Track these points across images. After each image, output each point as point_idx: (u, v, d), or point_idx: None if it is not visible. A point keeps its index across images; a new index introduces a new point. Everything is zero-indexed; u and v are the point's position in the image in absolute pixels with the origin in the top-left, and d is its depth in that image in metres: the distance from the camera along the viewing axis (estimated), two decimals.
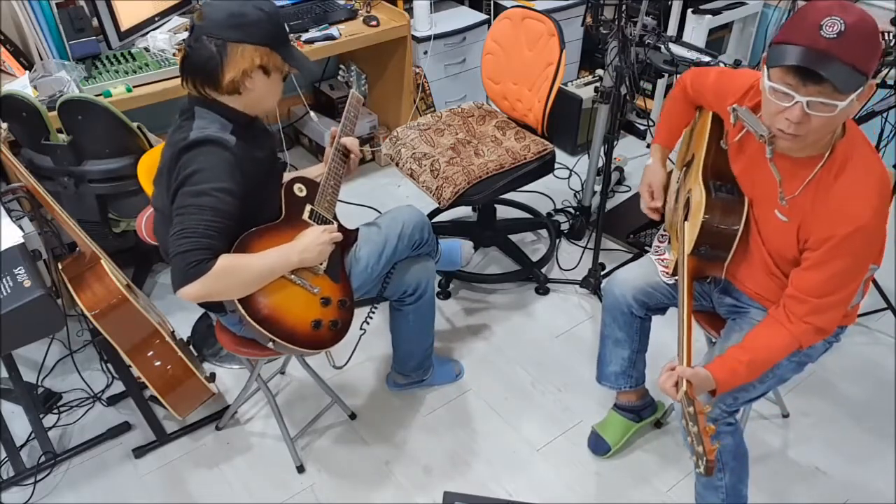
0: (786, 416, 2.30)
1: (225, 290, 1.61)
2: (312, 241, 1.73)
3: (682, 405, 1.44)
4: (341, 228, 1.89)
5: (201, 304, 1.91)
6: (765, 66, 1.40)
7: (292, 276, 1.72)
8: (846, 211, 1.45)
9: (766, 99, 1.42)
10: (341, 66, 2.24)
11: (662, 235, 2.02)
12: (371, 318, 2.05)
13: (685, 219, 1.78)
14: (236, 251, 1.64)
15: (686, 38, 3.26)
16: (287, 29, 1.72)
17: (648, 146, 3.66)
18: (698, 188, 1.71)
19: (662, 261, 1.94)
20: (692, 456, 1.36)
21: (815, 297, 1.52)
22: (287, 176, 1.91)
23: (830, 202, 1.47)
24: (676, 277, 1.76)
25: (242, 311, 1.64)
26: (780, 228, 1.58)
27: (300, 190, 1.87)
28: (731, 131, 1.71)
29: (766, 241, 1.65)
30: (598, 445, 2.19)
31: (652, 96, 3.64)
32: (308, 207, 1.85)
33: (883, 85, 2.30)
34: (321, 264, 1.79)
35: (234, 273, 1.59)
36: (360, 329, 2.01)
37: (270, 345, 1.70)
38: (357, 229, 1.99)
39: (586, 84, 3.53)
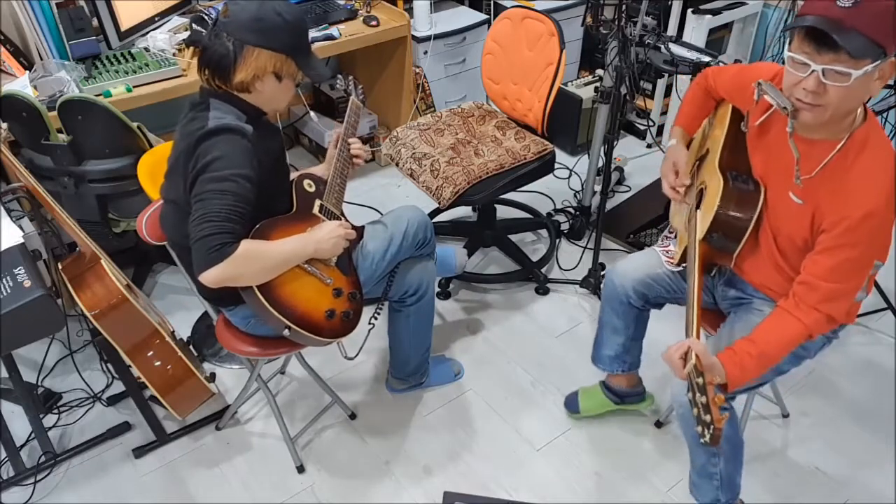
0: (786, 416, 2.30)
1: (245, 275, 1.63)
2: (328, 234, 1.77)
3: (689, 378, 1.44)
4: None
5: (212, 300, 1.93)
6: (788, 38, 1.45)
7: (306, 266, 1.75)
8: (860, 194, 1.47)
9: (786, 71, 1.47)
10: (339, 76, 2.29)
11: (670, 232, 2.03)
12: (379, 313, 2.05)
13: (697, 207, 1.79)
14: (253, 239, 1.66)
15: (686, 38, 3.25)
16: (309, 38, 1.75)
17: (649, 146, 3.68)
18: (715, 177, 1.72)
19: (667, 251, 1.95)
20: (698, 426, 1.35)
21: (827, 281, 1.52)
22: (294, 174, 1.94)
23: (847, 184, 1.49)
24: (683, 265, 1.77)
25: (261, 298, 1.65)
26: (794, 211, 1.59)
27: (309, 186, 1.91)
28: (753, 114, 1.72)
29: (777, 226, 1.65)
30: (571, 404, 2.31)
31: (652, 96, 3.64)
32: (317, 203, 1.88)
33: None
34: (332, 257, 1.82)
35: (254, 258, 1.62)
36: (369, 323, 2.03)
37: (286, 332, 1.71)
38: (363, 227, 2.02)
39: (586, 84, 3.53)
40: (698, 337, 1.53)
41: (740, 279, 1.81)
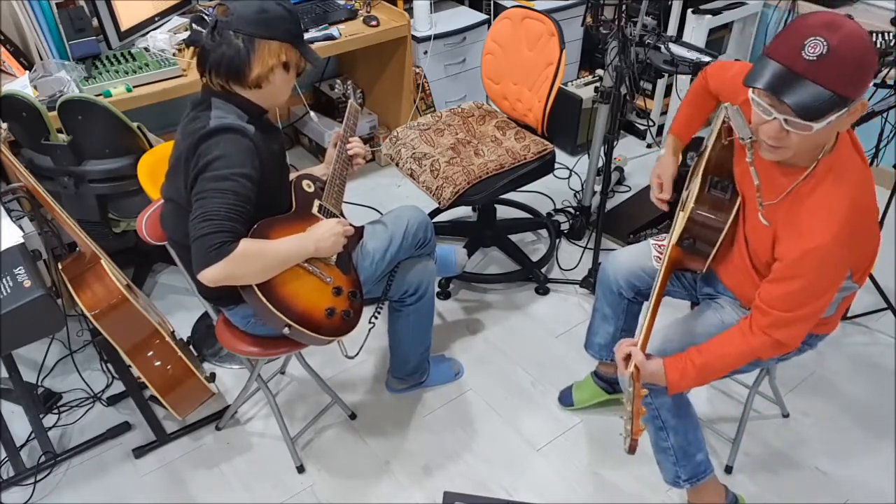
0: (786, 416, 2.30)
1: (245, 273, 1.62)
2: (328, 231, 1.77)
3: (626, 383, 1.53)
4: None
5: (212, 299, 1.93)
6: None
7: (306, 265, 1.75)
8: (808, 228, 1.45)
9: (753, 108, 1.42)
10: (337, 81, 2.29)
11: None
12: (379, 312, 2.05)
13: (681, 209, 1.79)
14: (253, 238, 1.66)
15: (686, 38, 3.26)
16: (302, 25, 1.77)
17: (649, 146, 3.68)
18: (697, 181, 1.73)
19: (660, 246, 1.95)
20: (622, 433, 1.47)
21: (776, 309, 1.52)
22: (294, 174, 1.94)
23: (800, 216, 1.48)
24: None
25: (262, 297, 1.65)
26: (761, 231, 1.59)
27: (308, 186, 1.92)
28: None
29: (749, 239, 1.67)
30: (565, 398, 2.34)
31: (652, 96, 3.64)
32: (317, 202, 1.89)
33: (883, 85, 2.30)
34: (332, 256, 1.82)
35: (254, 257, 1.62)
36: (369, 323, 2.03)
37: (286, 331, 1.71)
38: (363, 226, 2.02)
39: (586, 84, 3.53)
40: (645, 346, 1.59)
41: (715, 277, 1.83)
